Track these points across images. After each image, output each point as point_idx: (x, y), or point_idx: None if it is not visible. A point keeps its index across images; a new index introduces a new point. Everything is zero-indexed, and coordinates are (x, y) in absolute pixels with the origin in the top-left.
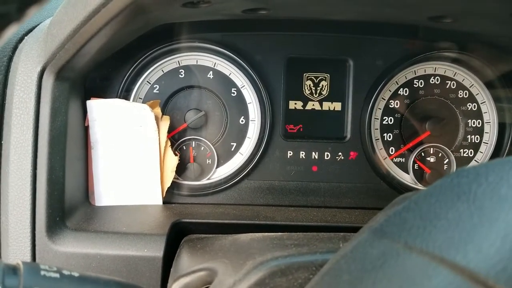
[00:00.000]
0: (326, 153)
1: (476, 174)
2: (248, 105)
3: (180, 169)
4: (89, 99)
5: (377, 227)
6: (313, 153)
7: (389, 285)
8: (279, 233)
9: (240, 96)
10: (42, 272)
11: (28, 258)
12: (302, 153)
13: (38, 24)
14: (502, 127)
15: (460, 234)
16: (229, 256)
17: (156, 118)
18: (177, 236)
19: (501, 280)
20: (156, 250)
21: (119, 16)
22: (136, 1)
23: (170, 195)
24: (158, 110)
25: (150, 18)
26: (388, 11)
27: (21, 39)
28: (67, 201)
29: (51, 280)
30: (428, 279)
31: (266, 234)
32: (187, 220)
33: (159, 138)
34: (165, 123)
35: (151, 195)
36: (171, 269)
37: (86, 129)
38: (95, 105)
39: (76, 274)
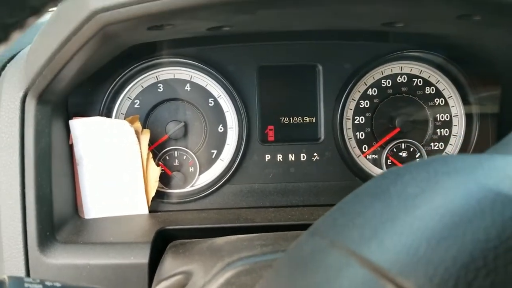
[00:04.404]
0: (302, 155)
1: (397, 174)
2: (226, 114)
3: (165, 179)
4: (72, 118)
5: (313, 226)
6: (290, 155)
7: (314, 277)
8: (252, 235)
9: (218, 106)
10: (26, 285)
11: (22, 272)
12: (279, 156)
13: (19, 52)
14: (469, 119)
15: (370, 230)
16: (204, 259)
17: (137, 132)
18: (163, 242)
19: (395, 270)
20: (142, 257)
21: (89, 43)
22: (103, 29)
23: (156, 204)
24: (138, 124)
25: (119, 41)
26: (342, 21)
27: (3, 67)
28: (56, 216)
29: None
30: (341, 270)
31: (240, 236)
32: (171, 227)
33: (140, 151)
34: (146, 136)
35: (137, 205)
36: (155, 274)
37: (71, 147)
38: (77, 124)
39: (58, 285)
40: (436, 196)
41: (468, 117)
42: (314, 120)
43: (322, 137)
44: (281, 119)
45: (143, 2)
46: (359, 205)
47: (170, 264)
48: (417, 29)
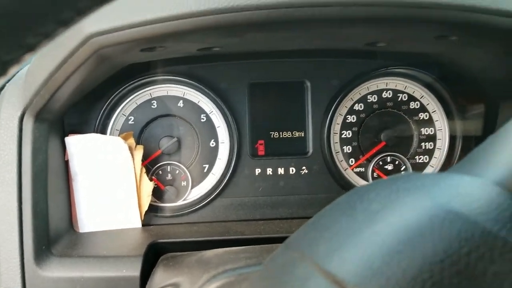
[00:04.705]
0: (291, 168)
1: (365, 191)
2: (217, 129)
3: (158, 193)
4: (68, 135)
5: (288, 239)
6: (279, 169)
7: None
8: (238, 248)
9: (209, 121)
10: None
11: (18, 285)
12: (269, 170)
13: (17, 72)
14: (453, 133)
15: (335, 244)
16: (192, 271)
17: (130, 149)
18: (155, 255)
19: (352, 282)
20: (134, 270)
21: (84, 65)
22: (97, 52)
23: (149, 218)
24: (131, 140)
25: (113, 62)
26: (327, 42)
27: (2, 87)
28: (52, 230)
29: None
30: (307, 282)
31: (227, 249)
32: (163, 241)
33: (134, 167)
34: (139, 152)
35: (130, 219)
36: (146, 286)
37: (66, 163)
38: (72, 141)
39: None
40: (395, 213)
41: (452, 131)
42: (302, 135)
43: (311, 151)
44: (271, 133)
45: (135, 26)
46: (329, 219)
47: (160, 277)
48: (399, 48)
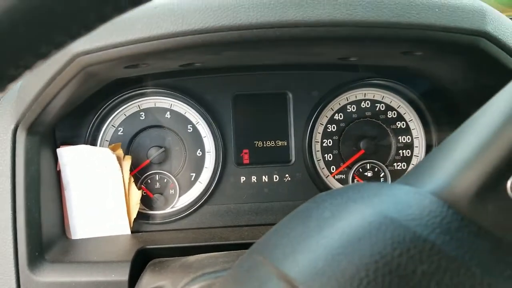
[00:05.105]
0: (274, 176)
1: (322, 200)
2: (204, 139)
3: (147, 201)
4: (59, 147)
5: (254, 245)
6: (263, 176)
7: None
8: (219, 253)
9: (196, 131)
10: None
11: None
12: (254, 178)
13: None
14: (429, 141)
15: (290, 248)
16: (175, 275)
17: (119, 159)
18: (143, 261)
19: (300, 281)
20: (122, 275)
21: (72, 81)
22: (84, 70)
23: (139, 225)
24: (120, 151)
25: (100, 78)
26: (301, 57)
27: None
28: (44, 237)
29: None
30: (265, 284)
31: (209, 254)
32: (150, 247)
33: (122, 176)
34: (127, 162)
35: (120, 227)
36: None
37: (58, 173)
38: (64, 152)
39: None
40: (341, 220)
41: (428, 139)
42: (285, 144)
43: (293, 159)
44: (255, 143)
45: (118, 46)
46: (289, 226)
47: (146, 281)
48: (370, 62)
